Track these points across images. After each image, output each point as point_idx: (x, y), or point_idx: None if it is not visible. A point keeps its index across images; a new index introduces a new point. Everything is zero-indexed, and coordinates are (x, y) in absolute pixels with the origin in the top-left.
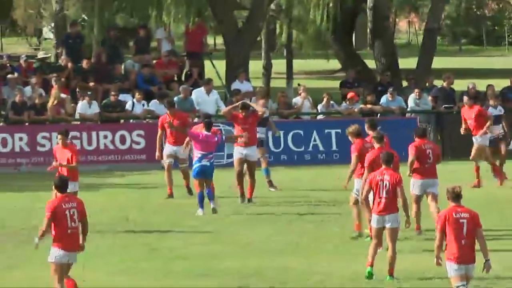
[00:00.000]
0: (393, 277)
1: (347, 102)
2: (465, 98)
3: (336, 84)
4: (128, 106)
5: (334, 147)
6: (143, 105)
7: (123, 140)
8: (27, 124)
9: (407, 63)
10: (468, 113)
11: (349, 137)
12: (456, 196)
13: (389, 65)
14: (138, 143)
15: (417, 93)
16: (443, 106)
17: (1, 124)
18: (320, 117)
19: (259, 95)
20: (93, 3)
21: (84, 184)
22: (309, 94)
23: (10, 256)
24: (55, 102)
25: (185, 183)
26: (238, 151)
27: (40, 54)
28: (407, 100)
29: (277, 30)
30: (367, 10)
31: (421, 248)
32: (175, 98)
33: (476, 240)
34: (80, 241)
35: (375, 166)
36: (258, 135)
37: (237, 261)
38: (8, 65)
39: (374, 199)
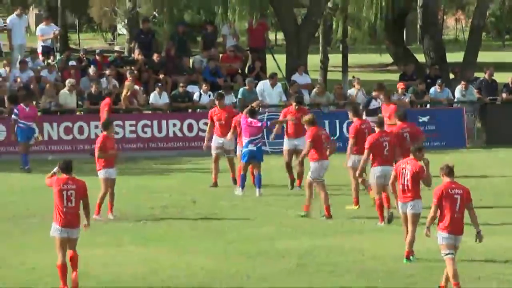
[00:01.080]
0: (409, 260)
1: (399, 93)
2: None
3: (388, 76)
4: (196, 96)
5: None
6: (209, 95)
7: (190, 128)
8: None
9: (454, 57)
10: None
11: (305, 126)
12: (448, 172)
13: (437, 59)
14: (204, 131)
15: (464, 85)
16: (488, 97)
17: (78, 113)
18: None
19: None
20: (163, 2)
21: (155, 169)
22: (362, 86)
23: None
24: (129, 93)
25: (231, 174)
26: (289, 142)
27: (116, 49)
28: (454, 91)
29: (333, 27)
30: (417, 8)
31: None
32: (241, 90)
33: (468, 213)
34: (81, 220)
35: (375, 149)
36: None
37: (291, 242)
38: (84, 58)
39: (398, 186)
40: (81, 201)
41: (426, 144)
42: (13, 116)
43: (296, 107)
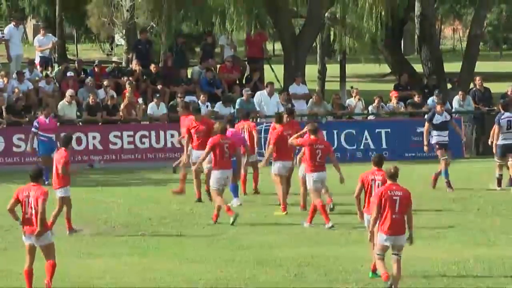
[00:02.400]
0: (375, 274)
1: (392, 102)
2: None
3: (385, 86)
4: None
5: (384, 146)
6: (207, 106)
7: None
8: (100, 124)
9: (452, 67)
10: None
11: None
12: (391, 175)
13: (435, 69)
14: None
15: (461, 95)
16: (485, 108)
17: (77, 124)
18: (371, 117)
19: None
20: (161, 12)
21: (153, 179)
22: (361, 96)
23: (88, 244)
24: (127, 103)
25: (206, 187)
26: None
27: (114, 59)
28: (452, 101)
29: (332, 37)
30: (415, 18)
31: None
32: (238, 100)
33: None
34: (45, 227)
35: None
36: (442, 139)
37: (292, 250)
38: (81, 70)
39: (365, 198)
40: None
41: (425, 155)
42: (33, 129)
43: (288, 119)
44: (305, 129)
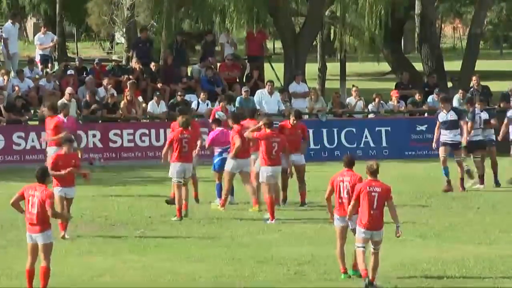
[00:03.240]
0: (356, 271)
1: (392, 101)
2: None
3: (385, 85)
4: (194, 105)
5: (384, 144)
6: (207, 104)
7: None
8: (100, 122)
9: (452, 65)
10: None
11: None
12: (371, 172)
13: (435, 67)
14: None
15: (462, 94)
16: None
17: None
18: (371, 116)
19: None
20: (161, 10)
21: (153, 177)
22: (361, 95)
23: (88, 242)
24: (127, 102)
25: (194, 194)
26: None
27: (114, 57)
28: (452, 100)
29: (332, 36)
30: (415, 17)
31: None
32: (238, 98)
33: (388, 210)
34: (46, 225)
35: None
36: (451, 138)
37: (292, 249)
38: (81, 66)
39: (335, 200)
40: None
41: (425, 153)
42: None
43: (294, 122)
44: (261, 123)
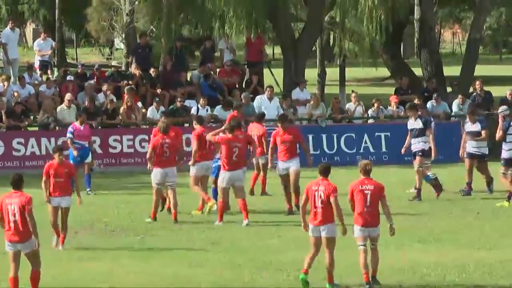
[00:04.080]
0: (333, 284)
1: (392, 107)
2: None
3: (385, 90)
4: (193, 111)
5: (383, 149)
6: (207, 110)
7: (188, 142)
8: (99, 127)
9: (452, 71)
10: None
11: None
12: (365, 171)
13: (434, 73)
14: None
15: (461, 99)
16: (485, 111)
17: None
18: (370, 121)
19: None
20: (161, 16)
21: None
22: (360, 100)
23: (88, 248)
24: (126, 107)
25: (167, 205)
26: (282, 165)
27: (113, 63)
28: (452, 105)
29: (331, 41)
30: (414, 22)
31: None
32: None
33: (382, 208)
34: (28, 234)
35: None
36: (417, 146)
37: (291, 254)
38: (84, 72)
39: (310, 209)
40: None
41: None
42: (68, 134)
43: (282, 126)
44: (223, 127)
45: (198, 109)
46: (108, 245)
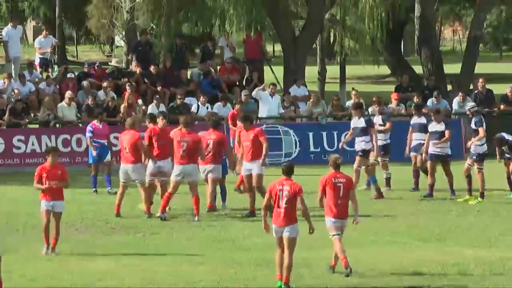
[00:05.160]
0: (289, 286)
1: (392, 104)
2: None
3: (385, 88)
4: (193, 108)
5: None
6: (207, 107)
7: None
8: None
9: (452, 68)
10: None
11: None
12: (335, 165)
13: (434, 70)
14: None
15: (461, 97)
16: (485, 109)
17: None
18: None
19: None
20: (161, 14)
21: None
22: (360, 97)
23: (88, 245)
24: (127, 105)
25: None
26: (244, 166)
27: (113, 62)
28: (452, 103)
29: (332, 39)
30: (415, 20)
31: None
32: None
33: (351, 200)
34: None
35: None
36: (360, 145)
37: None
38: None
39: (273, 209)
40: None
41: (424, 156)
42: (87, 133)
43: (245, 126)
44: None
45: (198, 106)
46: (109, 243)
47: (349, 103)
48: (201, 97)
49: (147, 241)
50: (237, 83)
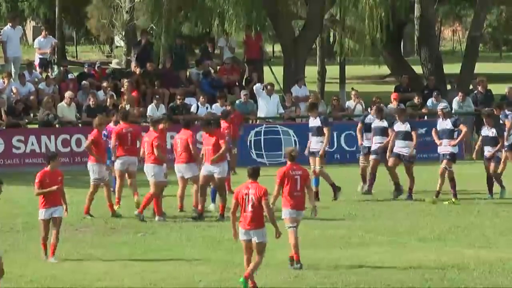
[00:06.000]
0: (247, 280)
1: (392, 104)
2: None
3: (385, 88)
4: (193, 108)
5: None
6: (207, 108)
7: None
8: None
9: (452, 68)
10: None
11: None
12: (291, 157)
13: (434, 70)
14: (201, 143)
15: (461, 97)
16: (485, 109)
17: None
18: None
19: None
20: (161, 14)
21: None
22: (360, 98)
23: (88, 245)
24: (126, 105)
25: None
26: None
27: (113, 63)
28: (452, 103)
29: (331, 39)
30: (415, 20)
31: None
32: (237, 102)
33: (307, 192)
34: None
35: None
36: (313, 145)
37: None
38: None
39: (240, 213)
40: None
41: (424, 156)
42: (103, 137)
43: (206, 130)
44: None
45: (198, 106)
46: (108, 243)
47: (348, 103)
48: (201, 97)
49: (147, 241)
50: (237, 83)
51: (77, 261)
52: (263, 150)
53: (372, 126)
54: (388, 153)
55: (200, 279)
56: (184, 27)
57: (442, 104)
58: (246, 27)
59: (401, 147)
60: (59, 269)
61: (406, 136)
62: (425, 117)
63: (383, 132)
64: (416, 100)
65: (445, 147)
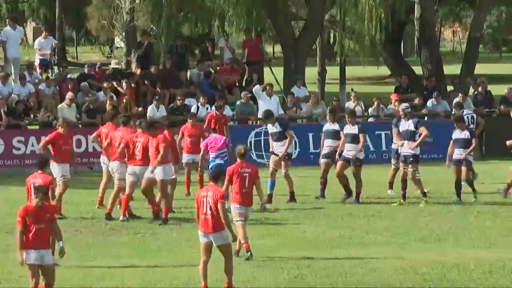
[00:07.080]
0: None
1: (392, 105)
2: None
3: (385, 89)
4: (193, 109)
5: (383, 148)
6: (207, 108)
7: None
8: (100, 126)
9: (452, 69)
10: None
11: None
12: (240, 155)
13: (434, 71)
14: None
15: (461, 97)
16: (485, 110)
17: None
18: (371, 119)
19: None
20: (161, 15)
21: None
22: (360, 98)
23: (88, 246)
24: (126, 105)
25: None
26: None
27: (113, 63)
28: (452, 103)
29: (332, 40)
30: (415, 21)
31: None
32: (238, 103)
33: (256, 188)
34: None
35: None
36: (278, 149)
37: (292, 253)
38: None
39: (199, 215)
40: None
41: (425, 157)
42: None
43: (149, 132)
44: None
45: (198, 107)
46: (108, 244)
47: (348, 104)
48: (201, 98)
49: (147, 241)
50: (237, 84)
51: (77, 261)
52: (263, 151)
53: (324, 129)
54: (337, 157)
55: (200, 279)
56: (184, 28)
57: (404, 105)
58: (246, 31)
59: (349, 150)
60: (59, 269)
61: (354, 139)
62: (425, 118)
63: (335, 135)
64: (416, 101)
65: (406, 149)
